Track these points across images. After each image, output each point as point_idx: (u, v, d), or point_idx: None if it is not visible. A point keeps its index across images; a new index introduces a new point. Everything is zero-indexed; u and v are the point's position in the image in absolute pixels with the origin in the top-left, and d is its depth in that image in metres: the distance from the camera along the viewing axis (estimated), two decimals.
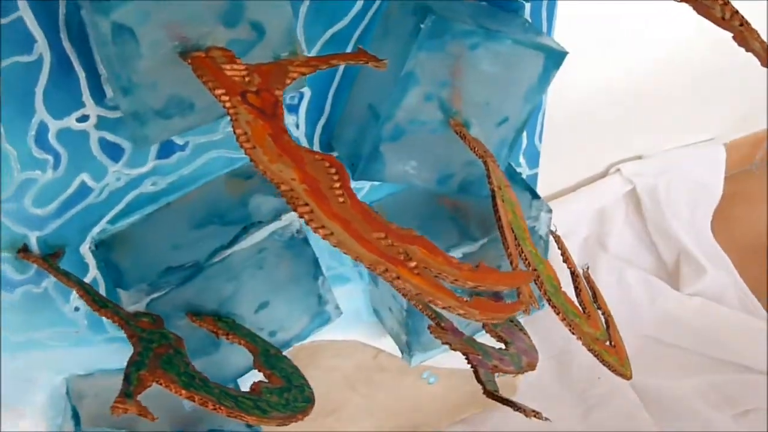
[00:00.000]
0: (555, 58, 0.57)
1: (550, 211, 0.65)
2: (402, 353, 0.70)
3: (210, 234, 0.55)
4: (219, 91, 0.43)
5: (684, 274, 1.02)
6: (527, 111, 0.59)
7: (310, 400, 0.49)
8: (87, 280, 0.58)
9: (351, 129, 0.58)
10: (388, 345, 0.76)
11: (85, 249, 0.56)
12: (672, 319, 0.99)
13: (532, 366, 0.62)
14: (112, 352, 0.62)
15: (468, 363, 0.58)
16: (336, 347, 0.73)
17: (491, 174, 0.56)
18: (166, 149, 0.55)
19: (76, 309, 0.59)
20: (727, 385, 0.93)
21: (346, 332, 0.73)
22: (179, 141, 0.55)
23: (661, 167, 1.00)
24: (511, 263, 0.55)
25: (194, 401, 0.45)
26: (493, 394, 0.58)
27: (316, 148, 0.60)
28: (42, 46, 0.47)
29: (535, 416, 0.59)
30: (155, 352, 0.47)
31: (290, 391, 0.49)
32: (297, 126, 0.59)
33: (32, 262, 0.54)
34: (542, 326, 0.77)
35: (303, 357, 0.71)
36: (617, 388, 0.91)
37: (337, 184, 0.41)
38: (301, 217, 0.39)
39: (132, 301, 0.52)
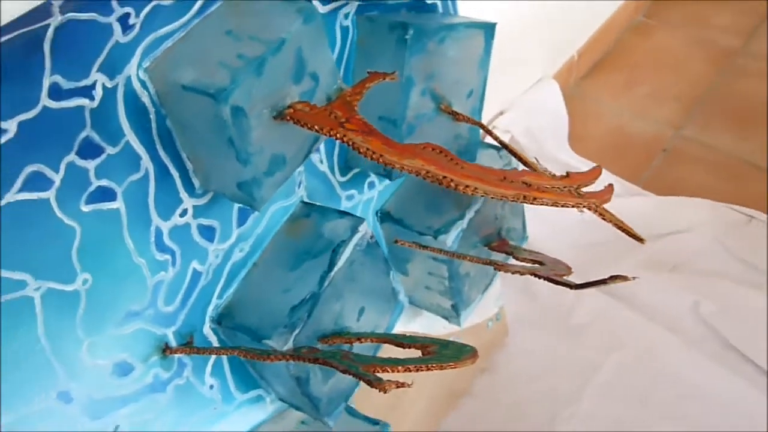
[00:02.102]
0: (490, 30, 0.71)
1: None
2: (449, 319, 0.81)
3: (309, 268, 0.63)
4: (326, 130, 0.53)
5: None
6: (483, 79, 0.72)
7: (468, 346, 0.59)
8: (212, 357, 0.64)
9: None
10: (419, 325, 0.86)
11: (208, 330, 0.63)
12: (590, 223, 1.15)
13: (569, 269, 0.74)
14: (242, 416, 0.68)
15: (539, 278, 0.69)
16: None
17: (491, 134, 0.69)
18: (243, 216, 0.63)
19: (212, 387, 0.65)
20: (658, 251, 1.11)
21: None
22: None
23: (522, 113, 1.17)
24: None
25: (411, 371, 0.53)
26: (581, 285, 0.69)
27: (338, 174, 0.70)
28: (146, 161, 0.54)
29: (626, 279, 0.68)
30: (343, 356, 0.56)
31: (449, 346, 0.59)
32: (321, 161, 0.68)
33: (180, 354, 0.60)
34: None
35: None
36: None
37: (449, 157, 0.51)
38: (448, 186, 0.50)
39: (280, 345, 0.60)
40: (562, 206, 0.52)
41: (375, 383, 0.50)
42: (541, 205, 0.51)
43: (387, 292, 0.69)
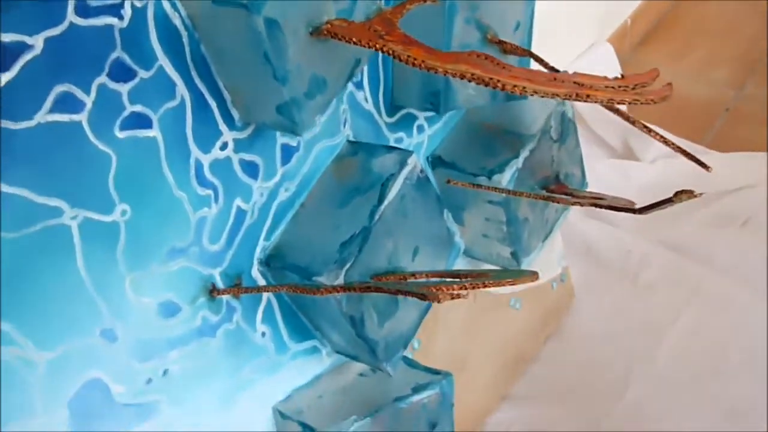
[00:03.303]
0: None
1: None
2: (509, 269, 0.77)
3: (358, 204, 0.61)
4: (365, 41, 0.50)
5: (637, 149, 1.16)
6: (530, 11, 0.69)
7: (527, 270, 0.56)
8: (263, 302, 0.62)
9: (414, 80, 0.65)
10: None
11: (256, 273, 0.61)
12: (651, 185, 1.12)
13: (632, 203, 0.71)
14: (297, 368, 0.66)
15: (600, 207, 0.66)
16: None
17: (542, 62, 0.66)
18: (287, 154, 0.60)
19: (263, 335, 0.62)
20: (727, 206, 1.06)
21: None
22: (293, 143, 0.61)
23: None
24: None
25: (467, 288, 0.50)
26: (645, 208, 0.65)
27: (385, 115, 0.68)
28: (181, 88, 0.52)
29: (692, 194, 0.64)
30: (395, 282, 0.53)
31: (507, 272, 0.56)
32: (366, 100, 0.66)
33: (228, 296, 0.58)
34: None
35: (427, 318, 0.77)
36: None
37: (495, 62, 0.48)
38: (495, 87, 0.47)
39: (330, 281, 0.57)
40: (619, 103, 0.49)
41: (428, 295, 0.47)
42: (596, 101, 0.48)
43: (442, 233, 0.66)
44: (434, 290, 0.48)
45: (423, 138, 0.72)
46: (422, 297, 0.48)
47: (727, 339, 0.93)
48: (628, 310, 1.00)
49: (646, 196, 1.13)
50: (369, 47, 0.50)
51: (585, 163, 1.14)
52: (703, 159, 1.11)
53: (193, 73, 0.52)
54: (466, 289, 0.51)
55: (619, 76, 0.52)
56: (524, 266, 0.77)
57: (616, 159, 1.15)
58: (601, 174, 1.13)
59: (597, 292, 1.03)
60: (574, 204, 0.67)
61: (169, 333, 0.56)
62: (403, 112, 0.69)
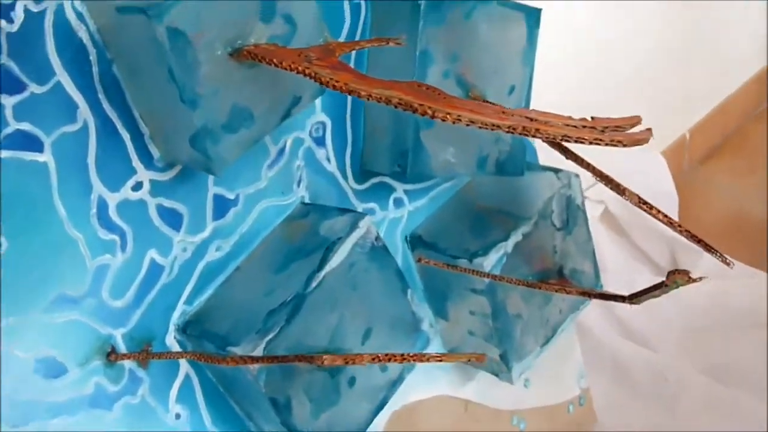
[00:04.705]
0: (533, 15, 0.61)
1: (577, 175, 0.66)
2: (499, 375, 0.67)
3: (297, 269, 0.52)
4: (287, 63, 0.43)
5: (684, 265, 1.04)
6: (528, 76, 0.62)
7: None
8: (179, 377, 0.53)
9: (383, 138, 0.58)
10: (471, 391, 0.72)
11: (171, 340, 0.52)
12: (696, 307, 0.99)
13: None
14: None
15: (590, 297, 0.56)
16: (427, 406, 0.69)
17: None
18: (220, 208, 0.53)
19: (178, 416, 0.53)
20: None
21: (431, 387, 0.69)
22: (230, 195, 0.53)
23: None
24: None
25: (380, 360, 0.41)
26: (634, 295, 0.54)
27: (352, 180, 0.60)
28: (84, 111, 0.46)
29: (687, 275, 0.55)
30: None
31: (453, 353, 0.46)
32: (329, 160, 0.58)
33: (136, 363, 0.50)
34: None
35: (403, 422, 0.67)
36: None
37: (437, 92, 0.40)
38: (424, 114, 0.38)
39: (248, 353, 0.48)
40: (576, 141, 0.40)
41: (314, 359, 0.38)
42: (546, 138, 0.39)
43: (404, 317, 0.57)
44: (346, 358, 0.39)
45: (401, 213, 0.64)
46: (309, 361, 0.39)
47: None
48: None
49: (691, 319, 1.02)
50: (290, 70, 0.43)
51: (623, 279, 1.03)
52: (757, 283, 1.00)
53: (101, 96, 0.46)
54: (379, 360, 0.42)
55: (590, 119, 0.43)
56: (516, 373, 0.66)
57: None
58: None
59: (624, 419, 0.90)
60: (558, 291, 0.57)
61: (52, 397, 0.47)
62: (376, 180, 0.61)
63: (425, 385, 0.68)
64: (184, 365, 0.53)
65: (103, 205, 0.47)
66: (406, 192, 0.63)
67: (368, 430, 0.65)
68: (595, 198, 1.02)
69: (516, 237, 0.61)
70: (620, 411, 0.90)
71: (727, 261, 0.58)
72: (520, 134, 0.39)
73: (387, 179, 0.62)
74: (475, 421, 0.73)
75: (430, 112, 0.39)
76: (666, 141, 1.18)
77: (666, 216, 0.53)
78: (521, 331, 0.65)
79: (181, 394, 0.53)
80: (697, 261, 1.03)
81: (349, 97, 0.59)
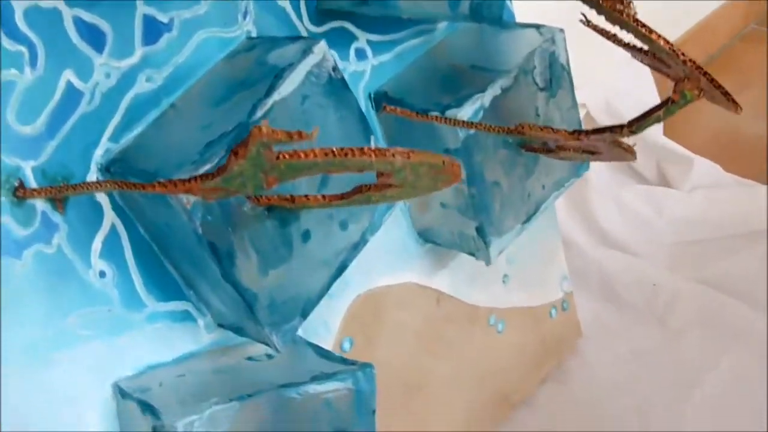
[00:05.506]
0: None
1: (562, 30, 0.59)
2: (476, 254, 0.60)
3: (240, 100, 0.45)
4: None
5: (673, 177, 0.98)
6: None
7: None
8: (104, 228, 0.45)
9: None
10: (445, 282, 0.65)
11: (93, 179, 0.44)
12: (686, 219, 0.93)
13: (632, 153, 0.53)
14: (158, 337, 0.49)
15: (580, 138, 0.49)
16: (395, 295, 0.61)
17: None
18: (151, 31, 0.45)
19: (102, 275, 0.46)
20: None
21: (399, 272, 0.62)
22: (163, 18, 0.45)
23: (604, 89, 0.97)
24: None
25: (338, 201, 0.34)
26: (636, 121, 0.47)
27: (306, 18, 0.52)
28: None
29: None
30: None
31: None
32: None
33: (49, 205, 0.42)
34: None
35: (367, 312, 0.60)
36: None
37: None
38: None
39: None
40: None
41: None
42: None
43: None
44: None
45: (364, 68, 0.56)
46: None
47: None
48: (651, 355, 0.80)
49: (682, 231, 0.95)
50: None
51: (608, 192, 0.97)
52: (753, 193, 0.93)
53: None
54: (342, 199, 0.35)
55: None
56: (495, 250, 0.59)
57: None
58: (627, 203, 0.95)
59: (611, 332, 0.83)
60: (542, 138, 0.50)
61: None
62: (335, 24, 0.54)
63: (393, 268, 0.61)
64: (108, 215, 0.45)
65: (8, 10, 0.40)
66: (369, 43, 0.56)
67: (329, 318, 0.59)
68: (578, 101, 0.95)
69: (494, 90, 0.54)
70: (607, 326, 0.84)
71: (736, 104, 0.51)
72: None
73: (347, 24, 0.54)
74: (448, 319, 0.66)
75: None
76: None
77: (668, 42, 0.46)
78: (500, 204, 0.58)
79: (105, 249, 0.45)
80: (688, 172, 0.97)
81: None
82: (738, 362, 0.76)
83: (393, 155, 0.34)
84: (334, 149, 0.33)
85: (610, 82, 1.00)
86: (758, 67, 1.22)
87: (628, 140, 0.55)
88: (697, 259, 0.88)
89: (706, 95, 0.50)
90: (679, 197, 0.95)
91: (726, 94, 0.51)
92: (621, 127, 0.47)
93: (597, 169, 0.96)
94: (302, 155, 0.33)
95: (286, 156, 0.33)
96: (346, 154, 0.33)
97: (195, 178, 0.37)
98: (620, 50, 0.47)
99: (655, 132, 1.02)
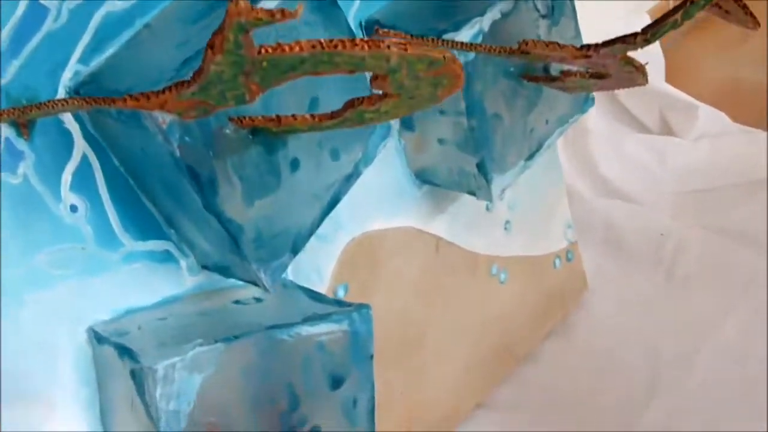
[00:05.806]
0: None
1: None
2: (477, 193, 0.56)
3: (221, 15, 0.40)
4: None
5: (677, 126, 0.94)
6: None
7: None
8: (74, 158, 0.42)
9: None
10: (444, 227, 0.62)
11: None
12: (690, 168, 0.90)
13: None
14: (137, 279, 0.45)
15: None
16: (391, 239, 0.58)
17: None
18: None
19: (74, 208, 0.42)
20: None
21: (395, 216, 0.59)
22: None
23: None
24: None
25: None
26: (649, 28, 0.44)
27: None
28: None
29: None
30: None
31: None
32: None
33: (13, 129, 0.39)
34: None
35: (362, 257, 0.56)
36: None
37: None
38: None
39: None
40: None
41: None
42: None
43: (358, 89, 0.46)
44: None
45: None
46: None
47: None
48: (659, 306, 0.77)
49: (685, 181, 0.92)
50: None
51: (610, 141, 0.93)
52: (757, 141, 0.90)
53: None
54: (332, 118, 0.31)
55: None
56: (497, 189, 0.55)
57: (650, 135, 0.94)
58: (629, 153, 0.92)
59: (617, 283, 0.80)
60: (547, 59, 0.46)
61: None
62: None
63: (389, 211, 0.58)
64: (79, 143, 0.42)
65: None
66: None
67: (321, 264, 0.55)
68: None
69: (493, 14, 0.51)
70: (613, 279, 0.80)
71: (755, 20, 0.48)
72: None
73: None
74: (448, 266, 0.62)
75: None
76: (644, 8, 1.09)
77: None
78: (501, 139, 0.54)
79: (76, 181, 0.42)
80: (692, 122, 0.94)
81: None
82: (746, 310, 0.73)
83: (388, 47, 0.30)
84: (322, 41, 0.30)
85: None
86: (759, 15, 1.18)
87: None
88: (702, 208, 0.85)
89: (719, 12, 0.48)
90: (683, 146, 0.92)
91: (744, 7, 0.48)
92: (634, 35, 0.44)
93: (598, 118, 0.93)
94: (286, 48, 0.30)
95: (269, 50, 0.30)
96: (335, 46, 0.30)
97: (169, 87, 0.33)
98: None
99: (657, 79, 0.98)
